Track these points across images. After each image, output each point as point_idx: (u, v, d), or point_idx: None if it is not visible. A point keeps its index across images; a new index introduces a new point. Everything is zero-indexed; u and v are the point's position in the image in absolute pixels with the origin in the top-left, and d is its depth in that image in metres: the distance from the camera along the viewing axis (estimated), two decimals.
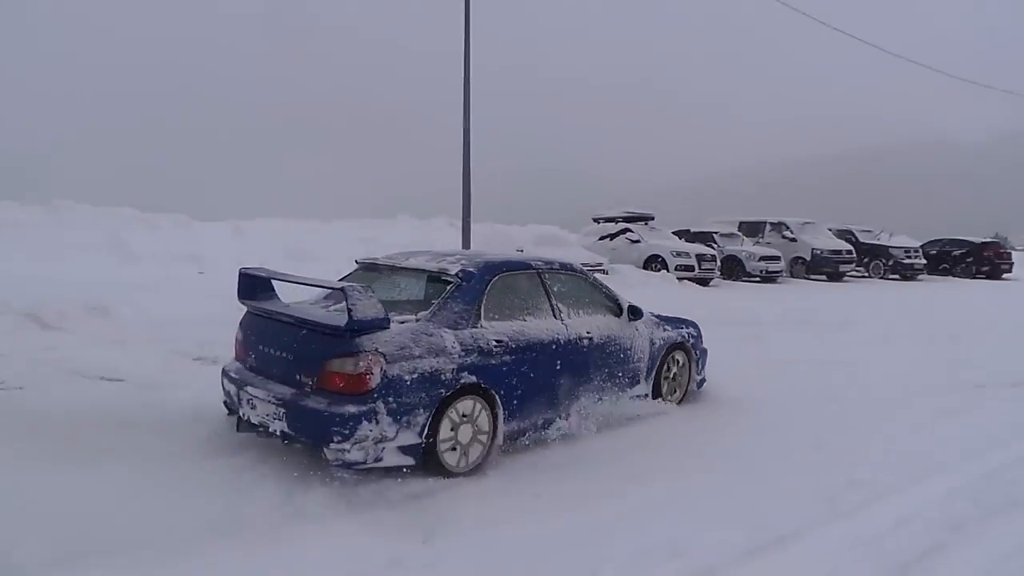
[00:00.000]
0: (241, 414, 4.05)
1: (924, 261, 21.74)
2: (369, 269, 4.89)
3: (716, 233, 19.41)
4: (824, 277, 19.75)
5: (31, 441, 4.01)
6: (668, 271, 15.90)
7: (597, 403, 4.90)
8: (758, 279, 17.92)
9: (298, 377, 3.82)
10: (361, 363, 3.60)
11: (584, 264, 8.58)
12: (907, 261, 21.20)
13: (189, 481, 3.63)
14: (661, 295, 11.38)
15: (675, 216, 23.10)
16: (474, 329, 4.12)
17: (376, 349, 3.64)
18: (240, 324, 4.47)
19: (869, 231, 22.61)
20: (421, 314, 4.06)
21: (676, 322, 5.87)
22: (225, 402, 4.33)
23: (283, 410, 3.75)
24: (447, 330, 4.00)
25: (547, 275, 4.85)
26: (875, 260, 21.43)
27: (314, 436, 3.66)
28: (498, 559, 3.10)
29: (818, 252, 19.54)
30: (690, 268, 16.08)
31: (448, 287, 4.24)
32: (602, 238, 18.04)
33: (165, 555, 2.94)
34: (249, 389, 3.96)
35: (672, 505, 3.71)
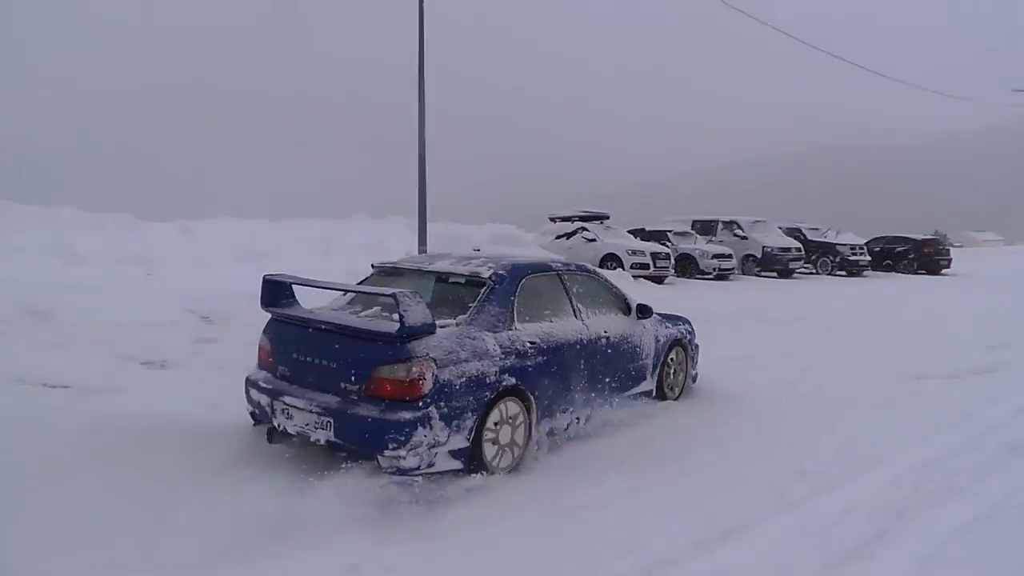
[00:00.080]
0: (276, 424, 3.97)
1: (869, 258, 22.49)
2: (387, 273, 4.85)
3: (670, 232, 19.71)
4: (775, 274, 20.25)
5: None
6: (624, 269, 16.08)
7: (611, 400, 5.01)
8: (711, 276, 18.26)
9: (342, 385, 3.75)
10: (414, 369, 3.59)
11: None
12: (853, 258, 21.89)
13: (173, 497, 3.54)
14: None
15: (630, 215, 23.36)
16: (510, 331, 4.16)
17: (427, 354, 3.64)
18: (265, 332, 4.34)
19: (817, 229, 23.30)
20: (460, 318, 4.06)
21: (673, 319, 6.05)
22: (253, 413, 4.21)
23: (329, 419, 3.68)
24: (487, 333, 4.02)
25: (566, 276, 4.94)
26: (823, 257, 22.06)
27: (367, 444, 3.62)
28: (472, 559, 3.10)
29: (769, 250, 20.02)
30: (645, 266, 16.30)
31: (482, 290, 4.25)
32: (558, 237, 18.14)
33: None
34: (286, 399, 3.88)
35: (624, 501, 3.77)
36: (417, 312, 3.61)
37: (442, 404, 3.66)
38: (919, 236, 25.41)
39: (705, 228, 21.08)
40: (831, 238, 22.74)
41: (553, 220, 19.43)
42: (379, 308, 4.23)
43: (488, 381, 3.88)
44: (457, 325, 3.98)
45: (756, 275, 19.91)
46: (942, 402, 6.12)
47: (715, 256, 18.41)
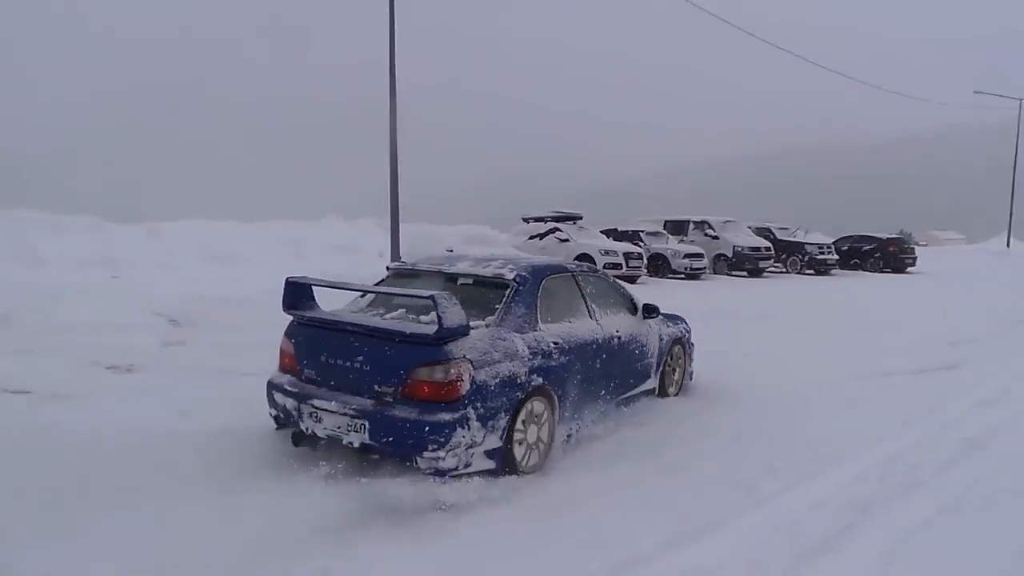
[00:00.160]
0: (303, 428, 3.93)
1: (836, 257, 22.90)
2: (403, 275, 4.84)
3: (643, 232, 19.87)
4: (745, 273, 20.50)
5: None
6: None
7: (621, 398, 5.11)
8: (683, 276, 18.43)
9: (376, 387, 3.75)
10: (452, 370, 3.61)
11: None
12: (821, 257, 22.26)
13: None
14: None
15: (603, 216, 23.49)
16: (535, 332, 4.21)
17: (464, 356, 3.67)
18: (288, 335, 4.27)
19: (786, 229, 23.66)
20: (489, 319, 4.09)
21: (673, 318, 6.18)
22: (276, 416, 4.16)
23: (364, 421, 3.67)
24: (516, 334, 4.07)
25: (579, 277, 5.01)
26: (792, 256, 22.40)
27: (405, 445, 3.61)
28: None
29: (739, 249, 20.27)
30: (618, 266, 16.39)
31: (506, 292, 4.29)
32: (531, 237, 18.19)
33: None
34: (315, 402, 3.85)
35: (596, 498, 3.80)
36: (454, 314, 3.63)
37: (478, 405, 3.70)
38: (884, 235, 25.93)
39: (677, 228, 21.28)
40: (800, 238, 23.11)
41: (526, 221, 19.48)
42: (404, 310, 4.24)
43: (519, 381, 3.93)
44: (487, 327, 4.01)
45: (727, 274, 20.14)
46: (907, 398, 6.25)
47: (687, 256, 18.59)
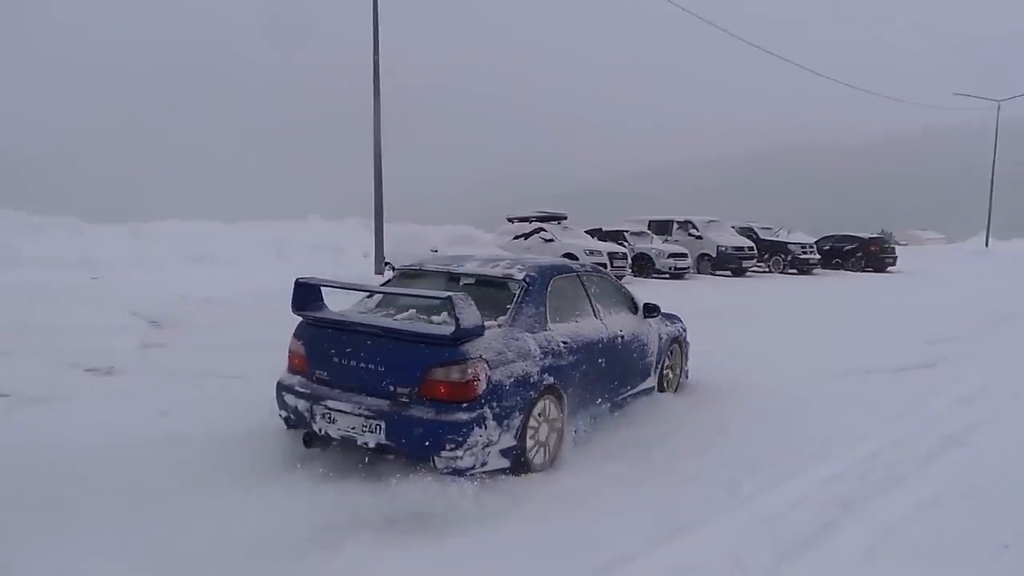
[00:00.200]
0: (316, 429, 3.92)
1: (818, 256, 23.08)
2: (410, 276, 4.84)
3: (627, 232, 19.93)
4: (729, 273, 20.62)
5: None
6: None
7: (623, 397, 5.15)
8: (667, 275, 18.52)
9: (392, 388, 3.76)
10: (469, 370, 3.65)
11: None
12: (803, 256, 22.43)
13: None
14: None
15: (587, 216, 23.55)
16: (546, 332, 4.25)
17: (480, 356, 3.70)
18: (297, 336, 4.26)
19: (769, 228, 23.82)
20: (501, 319, 4.11)
21: (671, 317, 6.24)
22: (287, 418, 4.14)
23: (380, 422, 3.68)
24: (527, 334, 4.10)
25: (584, 276, 5.04)
26: (775, 256, 22.55)
27: (422, 445, 3.64)
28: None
29: (723, 249, 20.39)
30: (603, 266, 16.43)
31: (517, 292, 4.32)
32: (516, 237, 18.19)
33: None
34: (328, 403, 3.85)
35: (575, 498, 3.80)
36: (471, 314, 3.65)
37: (494, 404, 3.73)
38: (866, 235, 26.19)
39: (661, 228, 21.37)
40: (783, 237, 23.28)
41: (511, 221, 19.48)
42: (414, 311, 4.25)
43: (532, 381, 3.97)
44: (499, 326, 4.04)
45: (711, 274, 20.25)
46: (887, 395, 6.31)
47: (671, 255, 18.67)
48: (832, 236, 25.86)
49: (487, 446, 3.71)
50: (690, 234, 20.89)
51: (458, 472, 3.66)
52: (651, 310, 5.60)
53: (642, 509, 3.62)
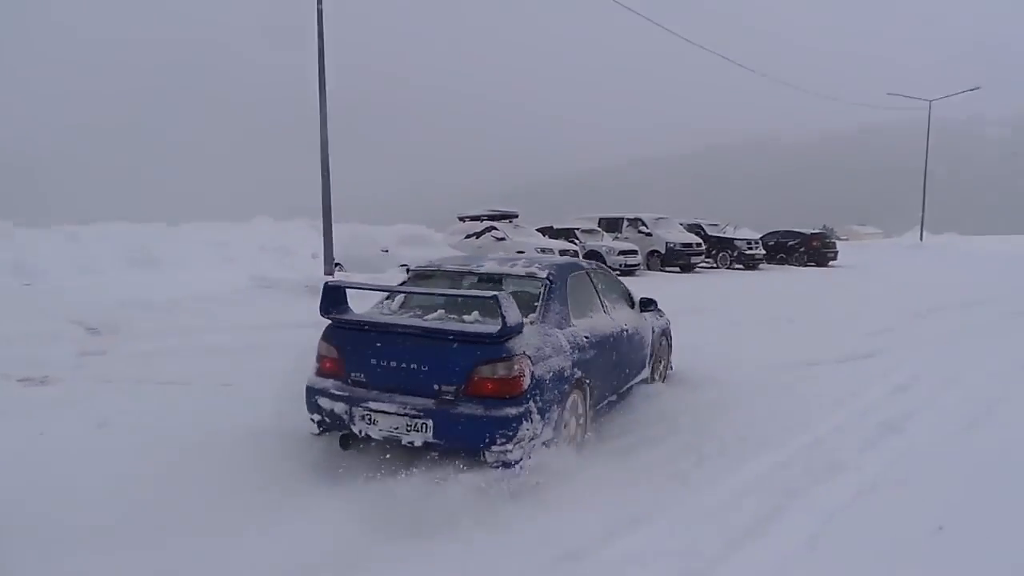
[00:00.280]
0: (357, 431, 3.93)
1: (764, 251, 23.74)
2: (426, 276, 4.87)
3: (578, 229, 20.12)
4: (678, 269, 21.02)
5: None
6: None
7: (624, 389, 5.29)
8: (618, 272, 18.74)
9: (436, 387, 3.80)
10: (515, 366, 3.74)
11: None
12: (749, 252, 23.03)
13: None
14: None
15: (538, 214, 23.68)
16: (571, 327, 4.39)
17: (524, 352, 3.80)
18: (327, 339, 4.19)
19: (716, 225, 24.38)
20: (532, 316, 4.21)
21: (658, 312, 6.42)
22: (319, 421, 4.08)
23: (427, 421, 3.74)
24: (557, 330, 4.23)
25: (592, 273, 5.21)
26: (722, 252, 23.09)
27: (472, 441, 3.72)
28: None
29: (672, 245, 20.77)
30: None
31: (542, 290, 4.45)
32: (468, 236, 18.15)
33: None
34: (370, 404, 3.87)
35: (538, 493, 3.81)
36: (515, 312, 3.76)
37: (538, 398, 3.83)
38: (808, 230, 27.04)
39: (611, 225, 21.65)
40: (729, 233, 23.86)
41: (462, 219, 19.43)
42: (443, 311, 4.28)
43: (566, 375, 4.10)
44: (531, 323, 4.11)
45: (660, 270, 20.60)
46: (829, 386, 6.51)
47: (621, 252, 18.93)
48: (776, 232, 26.60)
49: (533, 439, 3.81)
50: (640, 231, 21.21)
51: (507, 465, 3.73)
52: (647, 304, 5.84)
53: (602, 501, 3.67)
